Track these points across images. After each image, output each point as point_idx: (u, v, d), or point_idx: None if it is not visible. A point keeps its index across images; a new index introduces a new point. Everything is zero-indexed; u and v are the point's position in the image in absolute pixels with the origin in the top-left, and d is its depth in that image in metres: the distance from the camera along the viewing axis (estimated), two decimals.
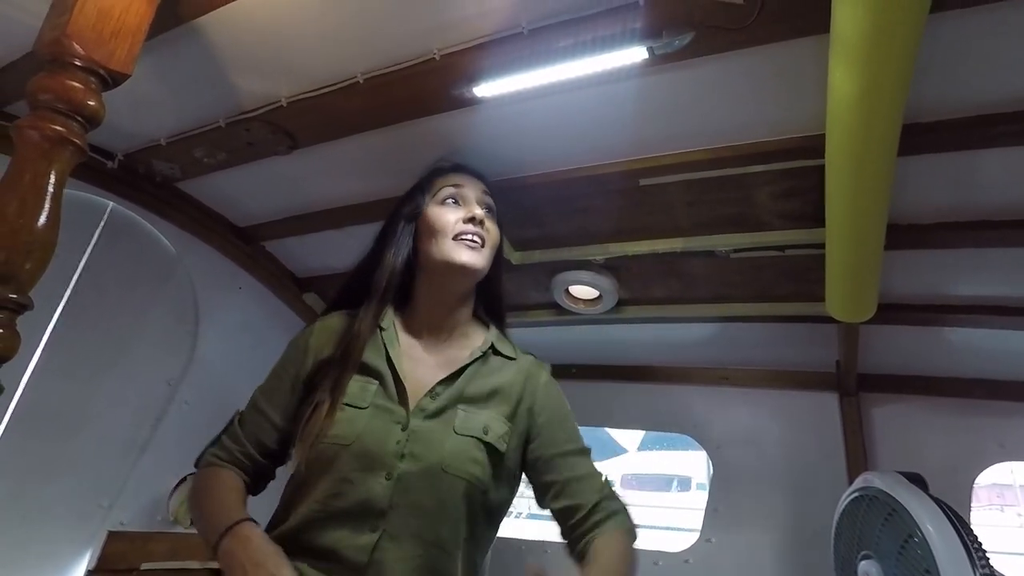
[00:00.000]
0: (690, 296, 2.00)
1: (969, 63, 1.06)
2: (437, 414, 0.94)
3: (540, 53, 1.12)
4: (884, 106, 0.94)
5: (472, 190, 1.09)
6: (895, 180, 1.11)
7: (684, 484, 9.63)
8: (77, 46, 0.89)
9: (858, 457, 2.07)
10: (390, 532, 0.86)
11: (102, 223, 1.78)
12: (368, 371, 0.97)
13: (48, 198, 0.83)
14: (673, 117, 1.31)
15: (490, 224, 1.07)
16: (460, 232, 1.02)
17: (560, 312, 2.13)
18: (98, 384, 1.80)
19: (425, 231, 1.04)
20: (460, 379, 0.98)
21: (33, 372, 1.56)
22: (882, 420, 2.15)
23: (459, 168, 1.16)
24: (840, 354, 2.07)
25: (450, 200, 1.06)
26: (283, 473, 1.04)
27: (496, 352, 1.05)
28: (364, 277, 1.06)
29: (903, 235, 1.47)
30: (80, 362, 1.74)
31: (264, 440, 0.99)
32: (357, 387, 0.94)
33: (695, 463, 9.29)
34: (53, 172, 0.85)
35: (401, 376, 0.96)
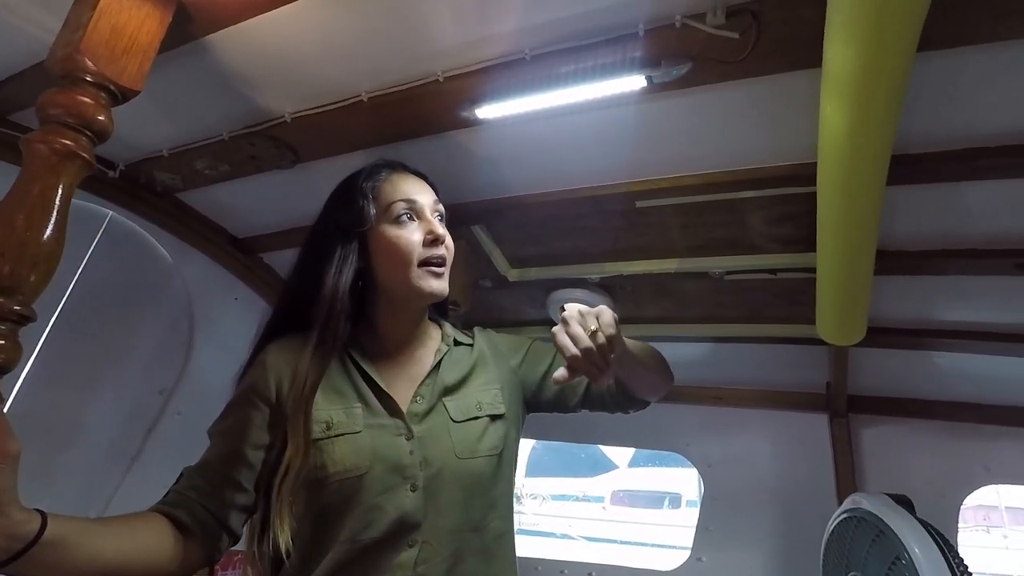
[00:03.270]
0: (683, 316, 2.03)
1: (954, 100, 1.10)
2: (429, 414, 0.92)
3: (542, 78, 1.15)
4: (873, 139, 0.97)
5: (425, 198, 0.97)
6: (885, 208, 1.15)
7: (675, 501, 9.59)
8: (90, 62, 0.90)
9: (847, 478, 2.09)
10: (427, 540, 0.84)
11: (100, 232, 1.78)
12: (344, 395, 0.91)
13: (55, 211, 0.85)
14: (669, 142, 1.34)
15: (447, 237, 0.97)
16: (424, 259, 0.93)
17: None
18: (90, 393, 1.79)
19: (383, 254, 0.94)
20: (437, 376, 0.96)
21: (25, 381, 1.55)
22: (871, 441, 2.17)
23: (401, 168, 1.02)
24: (830, 376, 2.10)
25: (405, 216, 0.94)
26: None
27: (456, 343, 1.05)
28: (303, 297, 0.95)
29: (892, 261, 1.51)
30: (73, 371, 1.74)
31: (219, 476, 0.85)
32: (341, 413, 0.88)
33: (685, 480, 9.27)
34: (61, 186, 0.86)
35: (386, 389, 0.92)
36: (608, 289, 1.93)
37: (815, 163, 1.11)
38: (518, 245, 1.82)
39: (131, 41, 0.98)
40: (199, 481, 0.84)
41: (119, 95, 0.97)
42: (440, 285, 0.94)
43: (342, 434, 0.86)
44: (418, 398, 0.93)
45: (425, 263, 0.93)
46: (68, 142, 0.88)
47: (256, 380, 0.91)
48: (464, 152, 1.46)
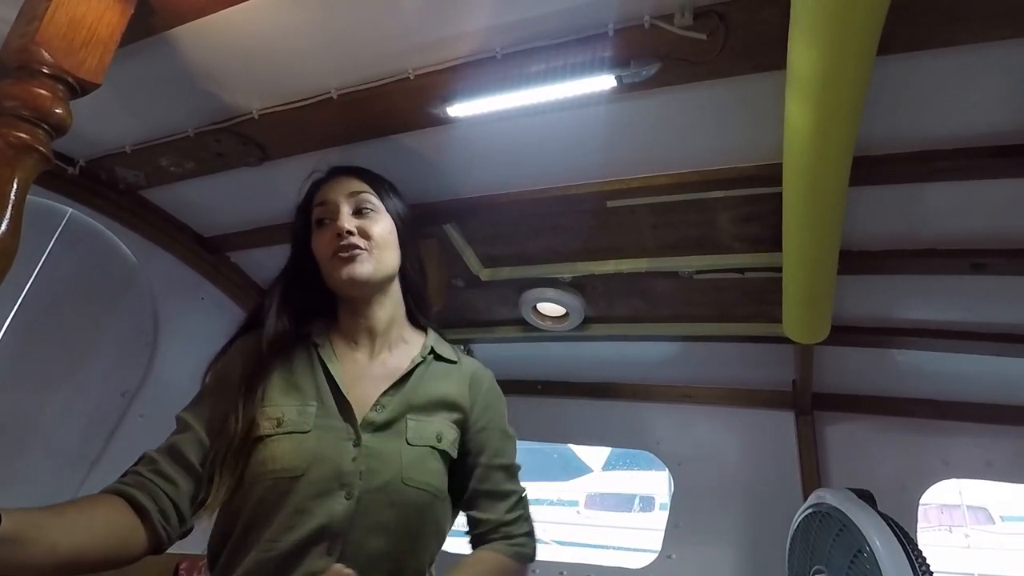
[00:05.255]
0: (654, 315, 2.05)
1: (912, 103, 1.14)
2: (386, 426, 0.90)
3: (513, 77, 1.15)
4: (836, 139, 1.00)
5: (337, 193, 1.03)
6: (847, 209, 1.18)
7: (647, 504, 9.68)
8: (46, 54, 0.88)
9: (812, 474, 2.14)
10: (347, 554, 0.81)
11: (59, 230, 1.72)
12: (304, 392, 0.91)
13: (9, 207, 0.82)
14: (640, 142, 1.36)
15: (367, 222, 1.01)
16: (335, 251, 0.98)
17: (528, 328, 2.16)
18: (49, 396, 1.73)
19: (316, 258, 1.03)
20: (405, 387, 0.95)
21: None
22: (835, 438, 2.23)
23: (330, 173, 1.09)
24: (796, 374, 2.15)
25: (322, 221, 1.03)
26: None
27: (437, 357, 1.03)
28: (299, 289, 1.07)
29: (855, 261, 1.55)
30: (30, 373, 1.68)
31: (181, 461, 0.86)
32: (294, 411, 0.88)
33: (658, 483, 9.36)
34: (16, 180, 0.83)
35: (343, 391, 0.91)
36: (580, 288, 1.94)
37: (781, 164, 1.14)
38: (490, 244, 1.82)
39: (90, 33, 0.95)
40: (161, 466, 0.84)
41: (78, 88, 0.94)
42: (351, 269, 0.97)
43: (289, 432, 0.85)
44: (379, 407, 0.92)
45: (334, 254, 0.98)
46: (24, 135, 0.85)
47: (224, 367, 0.95)
48: (435, 150, 1.46)
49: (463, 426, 0.99)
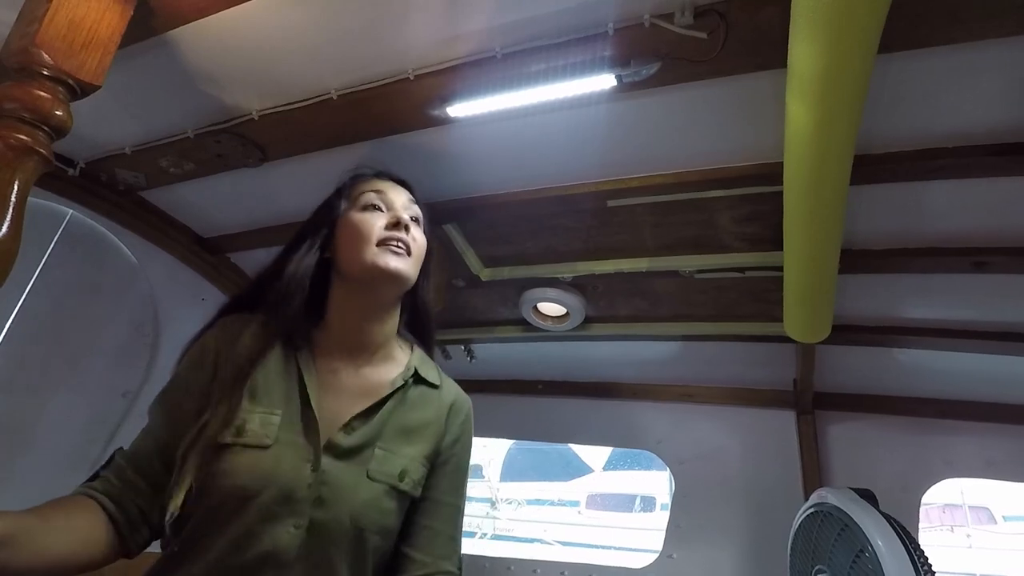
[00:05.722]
0: (655, 315, 2.05)
1: (912, 101, 1.14)
2: (351, 453, 0.82)
3: (513, 77, 1.15)
4: (837, 138, 1.00)
5: (397, 196, 0.95)
6: (849, 208, 1.18)
7: (648, 504, 9.67)
8: (46, 56, 0.88)
9: (814, 473, 2.13)
10: None
11: (59, 231, 1.73)
12: (271, 398, 0.82)
13: (10, 209, 0.82)
14: (640, 142, 1.36)
15: (416, 232, 0.94)
16: (385, 238, 0.89)
17: (528, 328, 2.16)
18: (50, 397, 1.73)
19: (345, 237, 0.91)
20: (379, 414, 0.86)
21: None
22: (836, 437, 2.23)
23: (383, 174, 1.00)
24: (797, 373, 2.14)
25: (373, 206, 0.92)
26: None
27: (418, 379, 0.93)
28: (265, 281, 0.93)
29: (856, 260, 1.55)
30: (31, 374, 1.68)
31: (151, 469, 0.80)
32: (257, 420, 0.79)
33: (659, 483, 9.36)
34: (17, 182, 0.83)
35: (313, 405, 0.82)
36: (580, 288, 1.94)
37: (782, 162, 1.14)
38: (491, 244, 1.82)
39: (90, 35, 0.95)
40: (130, 474, 0.79)
41: (78, 90, 0.94)
42: (399, 263, 0.88)
43: (248, 446, 0.78)
44: (348, 428, 0.83)
45: (384, 242, 0.88)
46: (24, 137, 0.85)
47: (195, 355, 0.86)
48: (435, 151, 1.45)
49: (432, 461, 0.90)
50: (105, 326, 1.90)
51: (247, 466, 0.77)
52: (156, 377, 1.93)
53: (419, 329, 1.01)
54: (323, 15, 1.12)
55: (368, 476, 0.81)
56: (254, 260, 2.09)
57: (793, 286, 1.45)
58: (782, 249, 1.36)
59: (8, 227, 0.83)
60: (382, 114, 1.30)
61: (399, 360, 0.94)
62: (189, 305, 2.05)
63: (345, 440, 0.82)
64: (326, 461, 0.80)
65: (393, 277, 0.88)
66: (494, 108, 1.23)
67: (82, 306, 1.83)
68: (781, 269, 1.45)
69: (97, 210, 1.74)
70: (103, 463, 0.82)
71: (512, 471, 11.39)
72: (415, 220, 0.95)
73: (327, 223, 0.94)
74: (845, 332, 1.81)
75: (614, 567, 2.53)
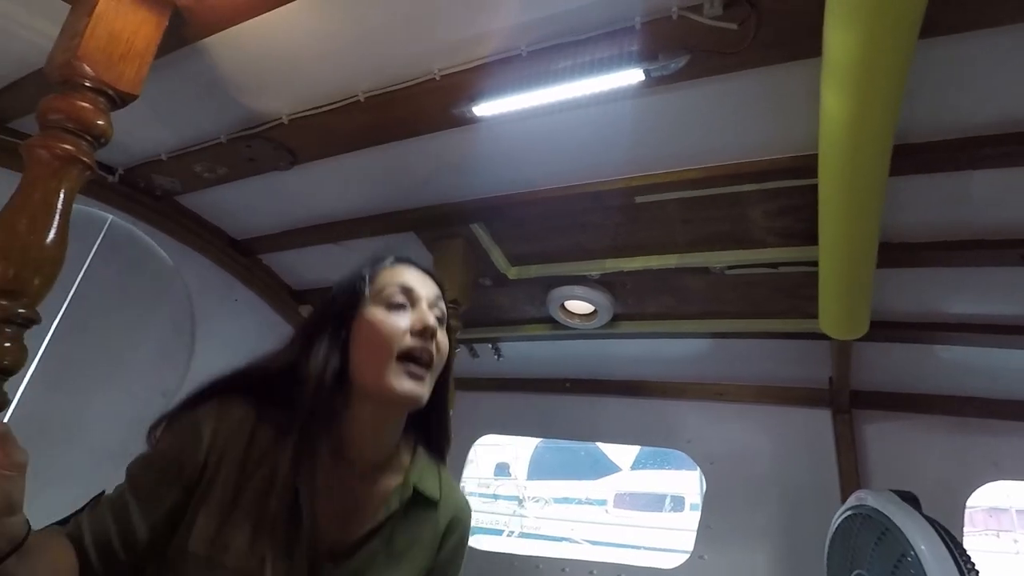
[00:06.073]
0: (684, 312, 2.02)
1: (957, 87, 1.10)
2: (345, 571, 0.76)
3: (539, 74, 1.15)
4: (875, 128, 0.96)
5: (426, 290, 0.83)
6: (887, 199, 1.14)
7: (677, 504, 9.55)
8: (88, 68, 0.90)
9: (851, 474, 2.08)
10: None
11: (101, 236, 1.78)
12: (261, 512, 0.72)
13: (57, 216, 0.85)
14: (668, 136, 1.34)
15: (441, 336, 0.82)
16: (407, 350, 0.77)
17: (555, 326, 2.15)
18: (94, 396, 1.79)
19: (363, 341, 0.79)
20: (372, 543, 0.78)
21: (29, 384, 1.55)
22: (875, 437, 2.16)
23: (410, 262, 0.87)
24: (833, 371, 2.09)
25: (396, 302, 0.80)
26: None
27: (416, 496, 0.83)
28: (283, 374, 0.79)
29: (896, 253, 1.50)
30: (76, 373, 1.74)
31: (113, 541, 0.70)
32: (244, 542, 0.70)
33: (689, 482, 9.23)
34: (63, 191, 0.86)
35: (305, 525, 0.73)
36: (608, 286, 1.93)
37: (816, 154, 1.11)
38: (517, 243, 1.81)
39: (128, 46, 0.98)
40: (93, 554, 0.70)
41: (118, 99, 0.97)
42: (415, 388, 0.77)
43: (230, 568, 0.69)
44: (342, 556, 0.76)
45: (407, 356, 0.77)
46: (69, 147, 0.88)
47: (185, 436, 0.76)
48: (461, 150, 1.46)
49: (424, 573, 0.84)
50: (145, 327, 1.95)
51: None
52: (193, 376, 1.98)
53: (432, 430, 0.90)
54: (349, 19, 1.13)
55: None
56: (284, 262, 2.14)
57: (829, 281, 1.41)
58: (817, 243, 1.33)
59: (56, 234, 0.87)
60: (409, 115, 1.31)
61: (400, 467, 0.84)
62: (223, 305, 2.11)
63: (335, 571, 0.74)
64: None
65: (407, 403, 0.78)
66: (520, 106, 1.22)
67: (123, 308, 1.89)
68: (816, 264, 1.41)
69: (136, 215, 1.80)
70: (85, 506, 0.75)
71: (539, 469, 11.37)
72: (440, 320, 0.83)
73: (346, 316, 0.81)
74: (884, 328, 1.75)
75: (643, 567, 2.52)
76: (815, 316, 1.58)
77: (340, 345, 0.79)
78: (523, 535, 9.68)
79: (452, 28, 1.12)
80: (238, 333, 2.14)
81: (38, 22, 1.17)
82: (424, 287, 0.83)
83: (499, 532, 9.47)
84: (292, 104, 1.35)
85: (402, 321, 0.78)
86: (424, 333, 0.78)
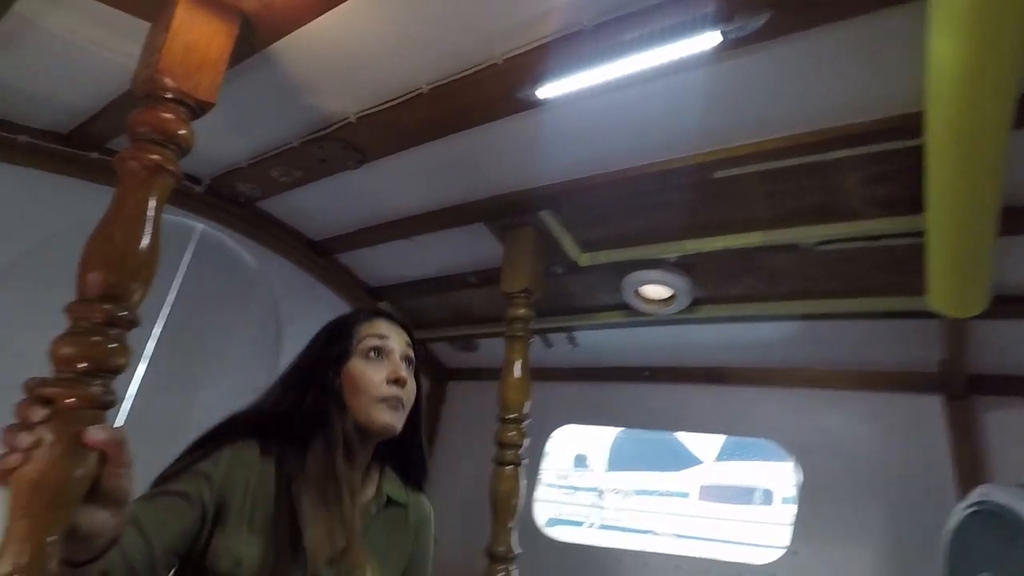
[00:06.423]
0: (771, 293, 1.90)
1: None
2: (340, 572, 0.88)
3: (604, 48, 1.09)
4: (995, 75, 0.85)
5: (396, 342, 1.02)
6: (1010, 157, 1.00)
7: (766, 497, 9.12)
8: (168, 80, 0.95)
9: (970, 467, 1.88)
10: None
11: (193, 244, 1.90)
12: (266, 527, 0.86)
13: (149, 222, 0.89)
14: (748, 104, 1.24)
15: (410, 380, 1.01)
16: (384, 396, 0.96)
17: (631, 313, 2.08)
18: (194, 395, 1.92)
19: (349, 387, 0.97)
20: (364, 538, 0.94)
21: (139, 386, 1.68)
22: (999, 426, 1.94)
23: (383, 314, 1.08)
24: (945, 353, 1.89)
25: (372, 353, 1.00)
26: None
27: (390, 502, 1.01)
28: (284, 410, 0.96)
29: (1021, 218, 1.32)
30: (178, 375, 1.86)
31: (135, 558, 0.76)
32: (256, 553, 0.83)
33: (779, 474, 8.78)
34: (152, 198, 0.90)
35: (305, 538, 0.87)
36: (686, 268, 1.83)
37: (921, 112, 0.99)
38: (588, 228, 1.76)
39: (203, 57, 1.02)
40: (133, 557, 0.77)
41: (196, 108, 1.01)
42: (392, 419, 0.96)
43: None
44: (338, 560, 0.88)
45: (384, 400, 0.96)
46: (156, 156, 0.92)
47: (208, 468, 0.88)
48: (527, 137, 1.43)
49: (405, 567, 1.02)
50: (235, 328, 2.07)
51: None
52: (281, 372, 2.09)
53: (411, 462, 1.07)
54: (408, 11, 1.12)
55: None
56: (359, 260, 2.20)
57: (939, 253, 1.27)
58: (922, 211, 1.19)
59: (149, 240, 0.91)
60: (473, 103, 1.29)
61: (372, 482, 1.01)
62: (306, 305, 2.19)
63: (329, 568, 0.87)
64: None
65: (387, 431, 0.96)
66: (585, 84, 1.18)
67: (216, 311, 2.01)
68: (922, 235, 1.27)
69: (222, 223, 1.90)
70: None
71: (618, 461, 11.22)
72: (410, 363, 1.03)
73: (333, 366, 0.99)
74: (1008, 304, 1.56)
75: (733, 562, 2.40)
76: (922, 292, 1.43)
77: (335, 390, 0.97)
78: (603, 527, 9.60)
79: (513, 9, 1.09)
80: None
81: (127, 45, 1.24)
82: (397, 337, 1.02)
83: (579, 524, 9.43)
84: (359, 102, 1.37)
85: (379, 373, 0.97)
86: (398, 382, 0.97)
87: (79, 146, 1.57)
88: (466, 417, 2.86)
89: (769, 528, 7.40)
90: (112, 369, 0.86)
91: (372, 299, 2.36)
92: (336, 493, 0.93)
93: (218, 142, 1.56)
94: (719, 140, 1.36)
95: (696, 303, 1.97)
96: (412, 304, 2.47)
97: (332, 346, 1.02)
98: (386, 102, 1.34)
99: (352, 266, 2.25)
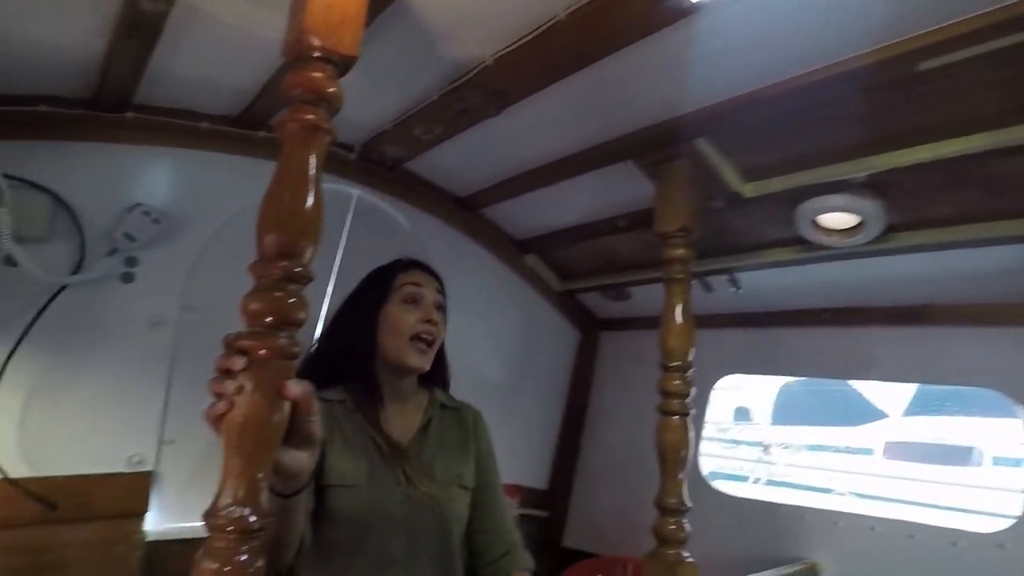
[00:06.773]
0: (994, 210, 1.54)
1: None
2: (420, 472, 1.11)
3: None
4: None
5: (429, 290, 1.20)
6: None
7: (971, 457, 7.89)
8: (314, 39, 0.97)
9: None
10: None
11: (351, 209, 2.02)
12: (354, 449, 1.08)
13: (311, 181, 0.93)
14: None
15: (441, 324, 1.20)
16: (417, 333, 1.14)
17: (807, 248, 1.83)
18: None
19: (386, 329, 1.16)
20: (429, 435, 1.17)
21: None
22: None
23: (419, 265, 1.25)
24: None
25: (411, 299, 1.17)
26: None
27: (444, 407, 1.23)
28: (340, 350, 1.20)
29: None
30: None
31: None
32: (351, 465, 1.06)
33: (987, 431, 7.53)
34: (312, 157, 0.94)
35: (382, 446, 1.10)
36: (878, 189, 1.55)
37: None
38: (752, 153, 1.56)
39: (343, 12, 1.02)
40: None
41: (341, 64, 1.02)
42: (422, 359, 1.15)
43: (351, 485, 1.04)
44: (415, 451, 1.14)
45: (416, 337, 1.14)
46: (310, 116, 0.95)
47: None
48: (677, 53, 1.27)
49: (475, 462, 1.21)
50: None
51: (354, 500, 1.04)
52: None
53: (444, 379, 1.29)
54: None
55: (438, 479, 1.13)
56: (505, 213, 2.19)
57: None
58: None
59: (313, 197, 0.95)
60: (615, 22, 1.17)
61: (423, 397, 1.23)
62: (457, 263, 2.25)
63: (412, 465, 1.12)
64: (405, 483, 1.09)
65: (416, 370, 1.17)
66: None
67: None
68: None
69: (374, 187, 2.00)
70: None
71: (786, 414, 10.43)
72: (440, 309, 1.22)
73: (376, 308, 1.18)
74: None
75: (944, 527, 2.08)
76: None
77: (371, 327, 1.17)
78: (770, 483, 9.07)
79: None
80: (472, 287, 2.28)
81: (282, 21, 1.30)
82: (429, 285, 1.21)
83: (743, 479, 9.01)
84: (495, 42, 1.31)
85: (413, 315, 1.16)
86: (429, 322, 1.16)
87: (248, 127, 1.72)
88: (621, 368, 2.79)
89: (977, 492, 6.45)
90: (294, 323, 0.91)
91: (519, 252, 2.35)
92: (391, 406, 1.17)
93: (364, 105, 1.61)
94: (924, 22, 1.09)
95: (890, 230, 1.67)
96: (559, 255, 2.43)
97: (373, 290, 1.21)
98: (522, 37, 1.26)
99: (498, 220, 2.26)
